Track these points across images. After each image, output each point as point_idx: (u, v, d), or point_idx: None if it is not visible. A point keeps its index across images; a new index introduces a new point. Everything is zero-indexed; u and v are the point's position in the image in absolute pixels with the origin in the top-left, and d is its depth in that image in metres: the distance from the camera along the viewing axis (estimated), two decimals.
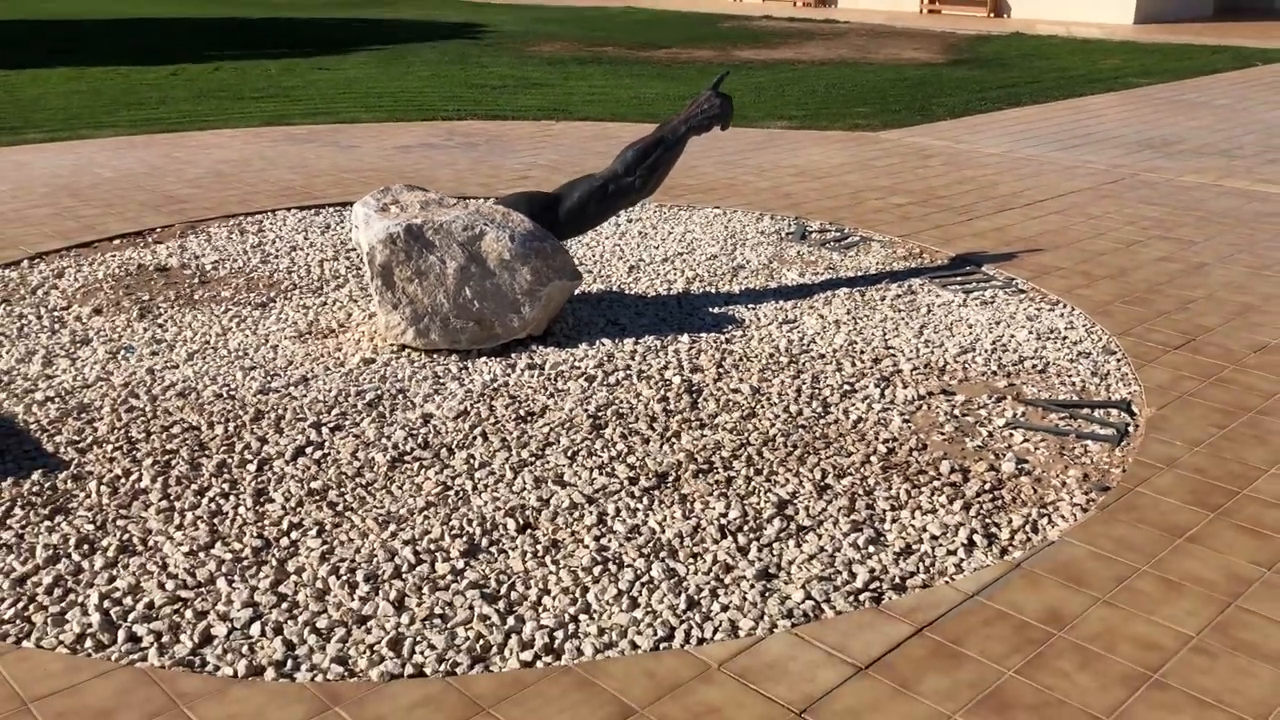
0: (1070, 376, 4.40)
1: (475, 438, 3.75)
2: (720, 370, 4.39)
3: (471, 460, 3.59)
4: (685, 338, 4.73)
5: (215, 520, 3.24)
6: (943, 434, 3.88)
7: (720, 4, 27.81)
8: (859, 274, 5.70)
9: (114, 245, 6.10)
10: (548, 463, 3.59)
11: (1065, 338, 4.81)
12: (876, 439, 3.82)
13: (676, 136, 5.18)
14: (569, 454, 3.64)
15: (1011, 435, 3.89)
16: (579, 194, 5.01)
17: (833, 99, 12.07)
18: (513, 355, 4.49)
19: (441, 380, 4.23)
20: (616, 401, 4.06)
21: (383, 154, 8.69)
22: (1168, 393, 4.23)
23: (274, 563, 3.03)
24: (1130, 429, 3.95)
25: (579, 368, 4.37)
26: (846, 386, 4.26)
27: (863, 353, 4.61)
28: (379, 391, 4.12)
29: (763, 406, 4.06)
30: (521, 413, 3.96)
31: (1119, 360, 4.56)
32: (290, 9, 26.71)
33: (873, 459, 3.68)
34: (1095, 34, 20.48)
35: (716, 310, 5.12)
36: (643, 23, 23.03)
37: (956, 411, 4.07)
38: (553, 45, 18.40)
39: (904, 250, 6.15)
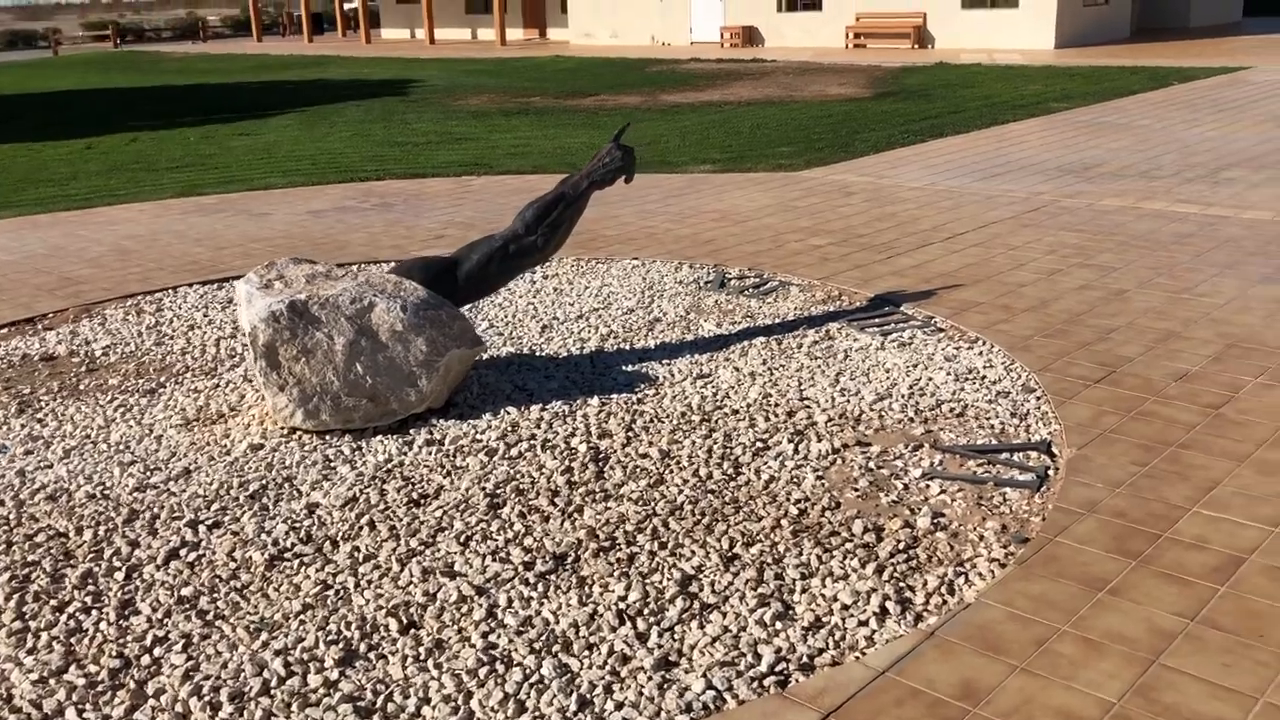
0: (989, 419, 4.26)
1: (362, 528, 3.53)
2: (629, 434, 4.20)
3: (356, 554, 3.37)
4: (595, 400, 4.54)
5: (73, 639, 2.99)
6: (856, 490, 3.72)
7: (648, 49, 27.96)
8: (777, 321, 5.56)
9: (0, 335, 5.82)
10: (438, 551, 3.37)
11: (984, 377, 4.68)
12: (788, 500, 3.65)
13: (578, 192, 5.03)
14: (461, 539, 3.43)
15: (928, 486, 3.73)
16: (478, 256, 4.83)
17: (757, 140, 12.03)
18: (411, 431, 4.28)
19: (332, 464, 4.01)
20: (518, 476, 3.86)
21: (295, 220, 8.47)
22: (1088, 430, 4.10)
23: (132, 685, 2.78)
24: (1050, 472, 3.81)
25: (481, 440, 4.17)
26: (759, 444, 4.09)
27: (777, 406, 4.45)
28: (264, 481, 3.88)
29: (672, 471, 3.88)
30: (414, 495, 3.74)
31: (1039, 398, 4.44)
32: (216, 75, 26.47)
33: (784, 523, 3.50)
34: (1018, 60, 20.76)
35: (630, 368, 4.95)
36: (570, 71, 23.04)
37: (872, 464, 3.91)
38: (480, 98, 18.31)
39: (823, 293, 6.02)
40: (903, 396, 4.50)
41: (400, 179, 10.33)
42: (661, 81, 19.93)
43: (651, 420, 4.33)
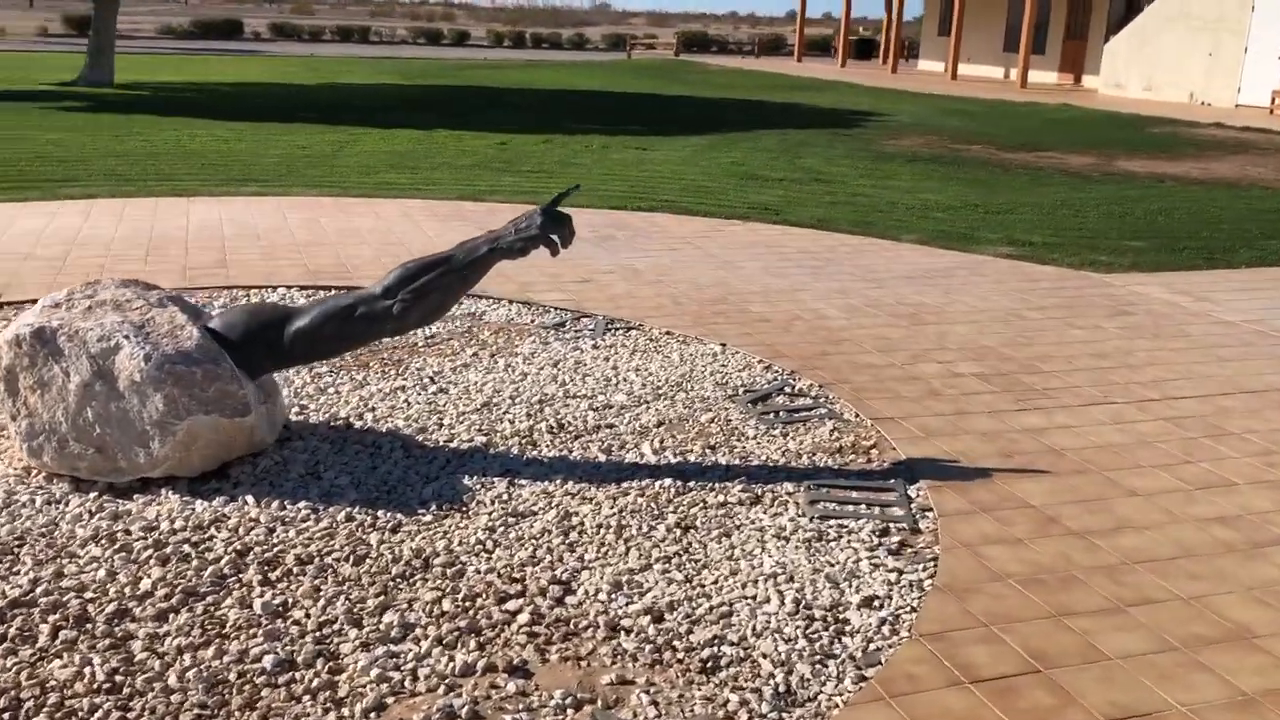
0: (761, 670, 2.80)
1: None
2: (285, 576, 3.30)
3: None
4: (344, 513, 3.67)
5: None
6: None
7: (1181, 107, 24.43)
8: (734, 462, 4.23)
9: None
10: None
11: (841, 620, 3.13)
12: None
13: (471, 258, 4.14)
14: None
15: None
16: (315, 314, 4.13)
17: (1126, 227, 9.78)
18: (135, 497, 3.72)
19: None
20: (91, 587, 3.15)
21: None
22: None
23: None
24: None
25: (157, 528, 3.51)
26: (369, 631, 3.01)
27: (510, 580, 3.29)
28: None
29: (193, 643, 2.96)
30: None
31: (868, 670, 2.86)
32: (714, 89, 27.14)
33: None
34: None
35: (470, 480, 3.98)
36: (1059, 122, 20.72)
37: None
38: (914, 139, 16.98)
39: (851, 438, 4.51)
40: (691, 616, 3.13)
41: (671, 213, 9.66)
42: (1142, 145, 17.19)
43: (339, 560, 3.38)
